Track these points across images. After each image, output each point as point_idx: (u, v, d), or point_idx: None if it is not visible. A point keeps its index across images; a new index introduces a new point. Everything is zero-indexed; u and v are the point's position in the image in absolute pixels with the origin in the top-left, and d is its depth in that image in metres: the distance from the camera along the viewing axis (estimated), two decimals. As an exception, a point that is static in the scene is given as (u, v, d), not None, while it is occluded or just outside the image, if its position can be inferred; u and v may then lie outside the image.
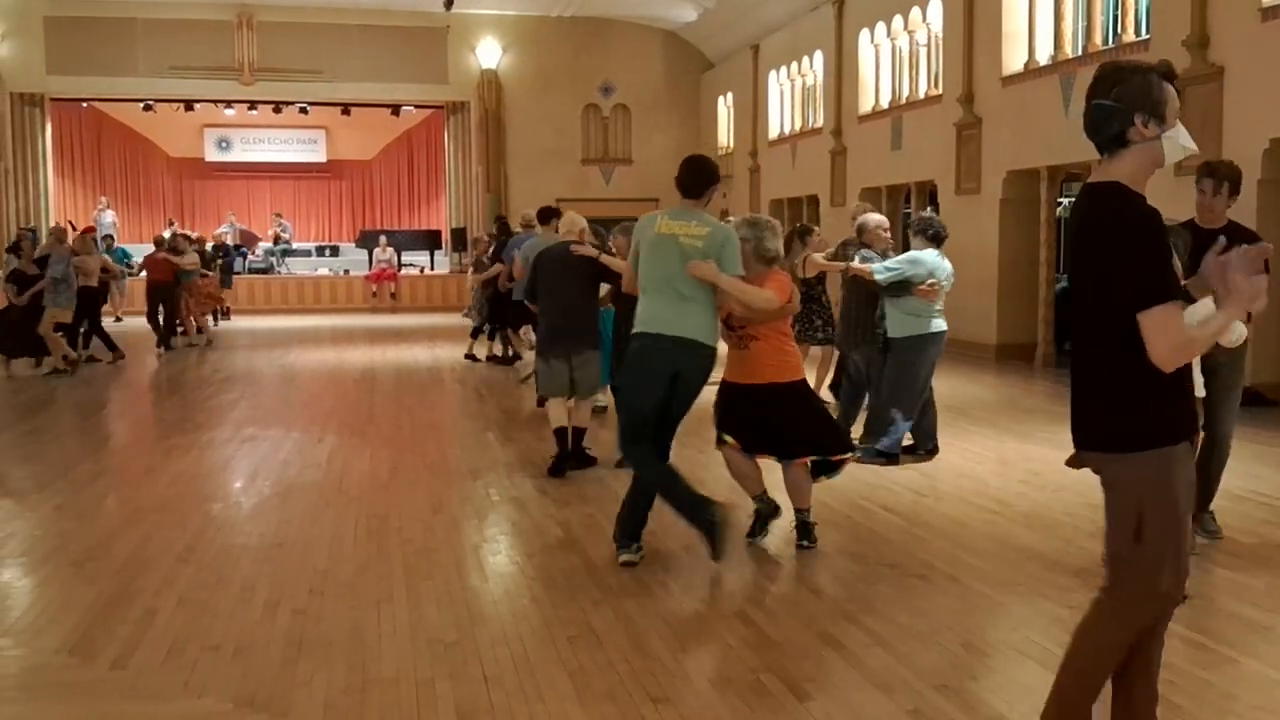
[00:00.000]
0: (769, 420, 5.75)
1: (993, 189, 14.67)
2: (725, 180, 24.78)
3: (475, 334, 14.95)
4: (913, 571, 5.46)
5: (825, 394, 10.43)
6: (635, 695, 3.95)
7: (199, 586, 5.27)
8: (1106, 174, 2.98)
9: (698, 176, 5.73)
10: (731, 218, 7.46)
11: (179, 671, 4.21)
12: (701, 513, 5.42)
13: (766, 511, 5.97)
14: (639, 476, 5.64)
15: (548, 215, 10.25)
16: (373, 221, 29.78)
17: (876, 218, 8.60)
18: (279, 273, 25.87)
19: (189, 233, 21.01)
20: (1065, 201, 15.13)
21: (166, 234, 20.66)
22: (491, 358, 14.47)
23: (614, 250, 8.20)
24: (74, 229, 18.83)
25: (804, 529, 5.85)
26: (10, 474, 8.01)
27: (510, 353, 14.26)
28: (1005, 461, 7.99)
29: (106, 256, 15.21)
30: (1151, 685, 3.17)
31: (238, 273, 23.58)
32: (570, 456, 7.79)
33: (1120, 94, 2.93)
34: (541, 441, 8.85)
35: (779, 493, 5.94)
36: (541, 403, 10.10)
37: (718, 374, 5.83)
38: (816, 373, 10.42)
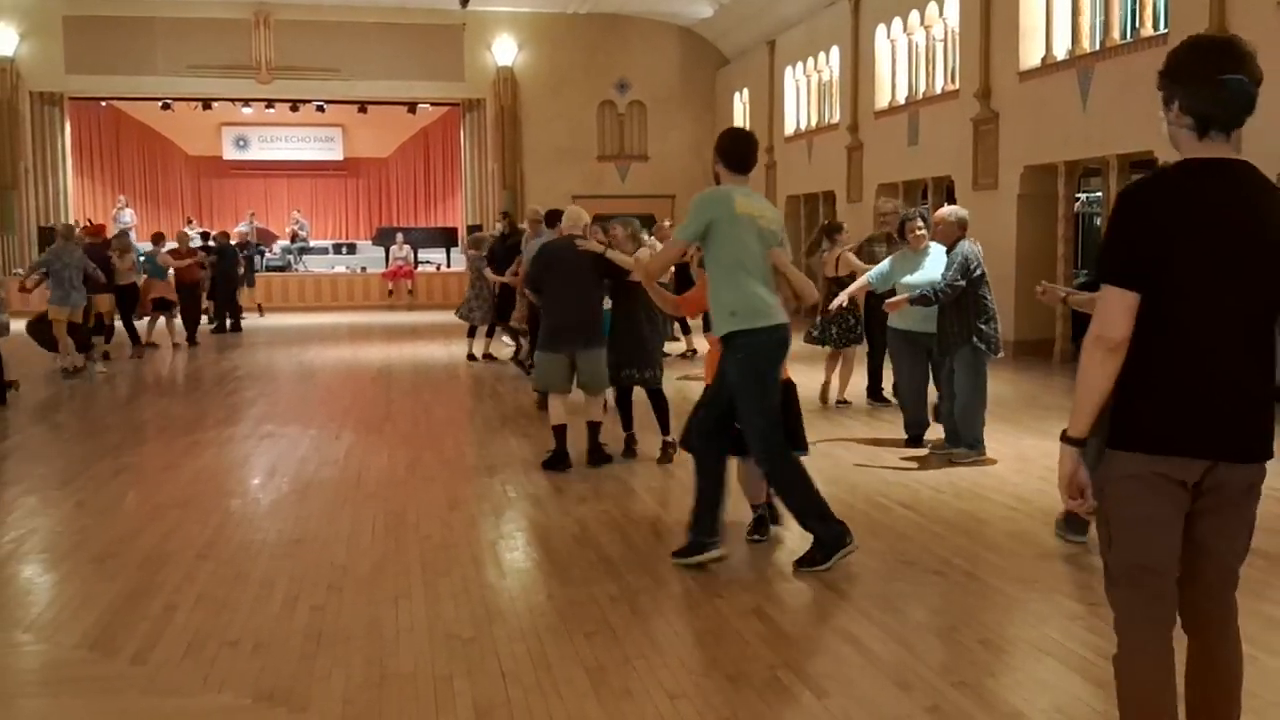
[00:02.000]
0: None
1: (1010, 184, 14.61)
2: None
3: (472, 333, 14.71)
4: (931, 568, 5.45)
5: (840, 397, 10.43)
6: (652, 691, 3.96)
7: (218, 582, 5.30)
8: (1238, 154, 2.81)
9: (750, 150, 5.49)
10: None
11: (198, 667, 4.23)
12: (828, 519, 5.37)
13: (769, 517, 6.01)
14: (778, 472, 5.51)
15: (554, 219, 10.38)
16: (389, 219, 29.87)
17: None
18: (296, 270, 25.96)
19: (194, 231, 21.12)
20: (1083, 197, 15.05)
21: (189, 236, 20.80)
22: (488, 356, 14.44)
23: (611, 242, 8.18)
24: (91, 227, 18.96)
25: (760, 522, 5.93)
26: (31, 471, 8.06)
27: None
28: (1024, 458, 7.96)
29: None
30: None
31: (257, 270, 23.53)
32: (590, 453, 7.84)
33: (1259, 76, 2.79)
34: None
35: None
36: (542, 401, 10.08)
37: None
38: (840, 374, 10.40)
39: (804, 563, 5.36)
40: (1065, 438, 2.86)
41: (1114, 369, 2.77)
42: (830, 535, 5.34)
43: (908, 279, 8.18)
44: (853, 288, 8.98)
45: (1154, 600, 2.84)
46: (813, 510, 5.40)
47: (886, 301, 8.20)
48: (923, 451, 8.19)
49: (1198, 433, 2.75)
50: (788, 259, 5.48)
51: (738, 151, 5.42)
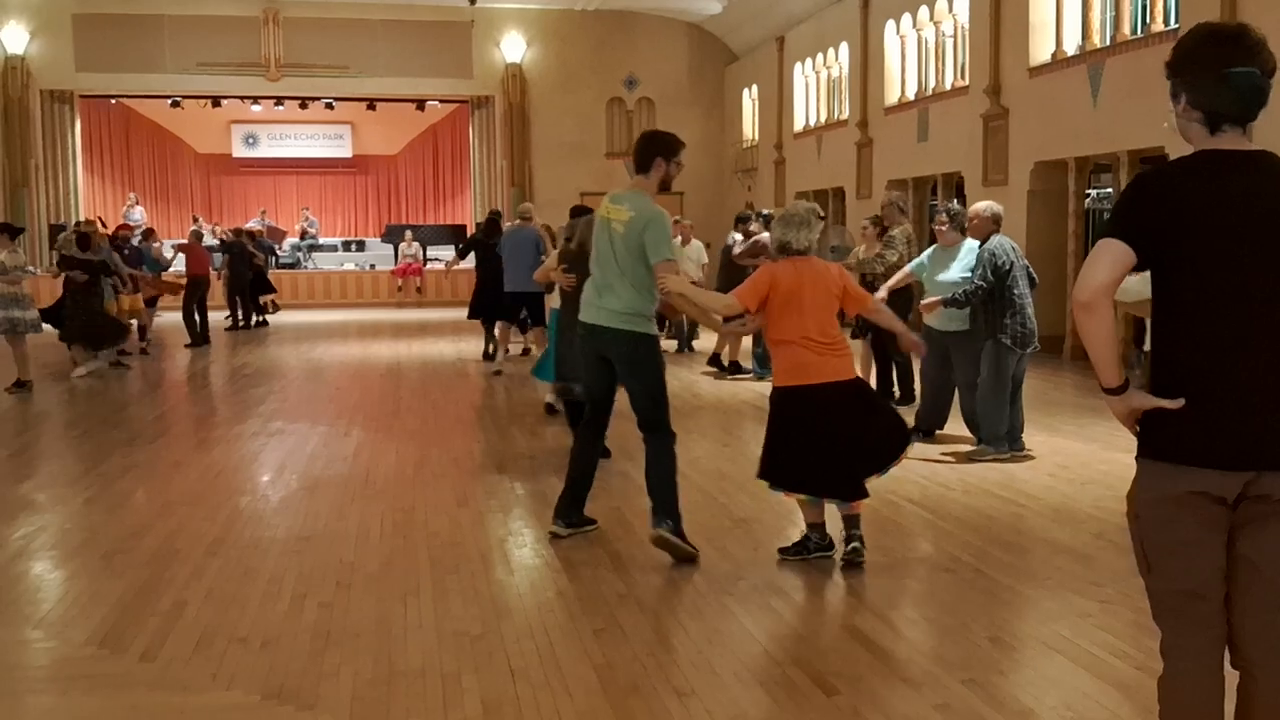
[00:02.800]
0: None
1: (1020, 181, 14.56)
2: (749, 173, 24.77)
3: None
4: (940, 565, 5.43)
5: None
6: (661, 689, 3.95)
7: (227, 579, 5.30)
8: (1250, 145, 2.64)
9: (641, 149, 5.70)
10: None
11: (207, 663, 4.23)
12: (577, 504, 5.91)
13: (815, 544, 5.50)
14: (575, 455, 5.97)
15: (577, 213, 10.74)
16: (398, 216, 29.87)
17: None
18: (306, 268, 25.98)
19: (207, 228, 21.09)
20: (1093, 193, 15.01)
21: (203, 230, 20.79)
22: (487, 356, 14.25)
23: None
24: (103, 226, 18.98)
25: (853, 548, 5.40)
26: (41, 468, 8.08)
27: (491, 349, 14.07)
28: (1033, 454, 7.92)
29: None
30: None
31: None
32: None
33: (1272, 66, 2.62)
34: (567, 435, 8.84)
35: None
36: (550, 409, 9.95)
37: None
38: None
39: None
40: (1105, 390, 2.70)
41: (1098, 324, 2.61)
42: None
43: (939, 277, 8.10)
44: (891, 281, 8.87)
45: (1198, 625, 2.67)
46: (567, 488, 5.97)
47: (921, 303, 8.18)
48: (932, 448, 8.17)
49: (1233, 441, 2.56)
50: (671, 271, 5.40)
51: (635, 151, 5.75)
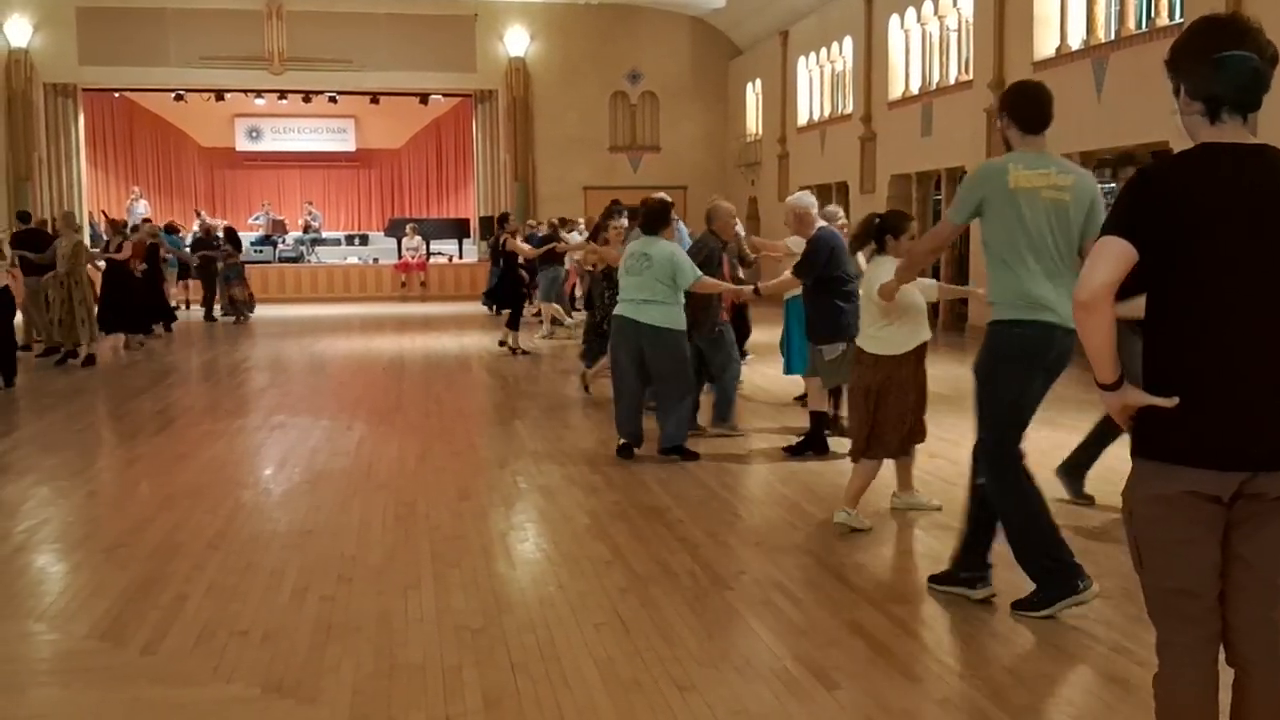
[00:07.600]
0: None
1: (1024, 175, 14.52)
2: (753, 167, 24.75)
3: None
4: (941, 560, 5.42)
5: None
6: (662, 683, 3.95)
7: (229, 572, 5.30)
8: (1252, 138, 2.61)
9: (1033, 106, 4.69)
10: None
11: (208, 657, 4.24)
12: (1051, 557, 4.48)
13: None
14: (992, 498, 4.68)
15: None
16: (401, 210, 29.87)
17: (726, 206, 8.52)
18: (309, 261, 25.97)
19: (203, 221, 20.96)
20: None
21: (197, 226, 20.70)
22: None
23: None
24: (106, 219, 18.93)
25: None
26: (43, 461, 8.08)
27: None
28: (1035, 449, 7.88)
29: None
30: None
31: (269, 261, 23.32)
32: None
33: (1271, 51, 2.57)
34: (569, 429, 8.87)
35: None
36: (587, 389, 10.30)
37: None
38: None
39: (1020, 605, 4.59)
40: (1100, 386, 2.71)
41: (1098, 323, 2.60)
42: (1054, 579, 4.49)
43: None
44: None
45: (1192, 623, 2.66)
46: (1032, 545, 4.56)
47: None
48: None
49: (1229, 441, 2.54)
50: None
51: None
